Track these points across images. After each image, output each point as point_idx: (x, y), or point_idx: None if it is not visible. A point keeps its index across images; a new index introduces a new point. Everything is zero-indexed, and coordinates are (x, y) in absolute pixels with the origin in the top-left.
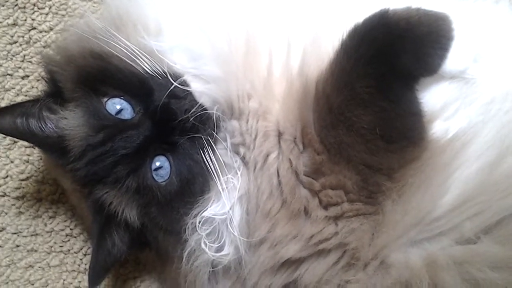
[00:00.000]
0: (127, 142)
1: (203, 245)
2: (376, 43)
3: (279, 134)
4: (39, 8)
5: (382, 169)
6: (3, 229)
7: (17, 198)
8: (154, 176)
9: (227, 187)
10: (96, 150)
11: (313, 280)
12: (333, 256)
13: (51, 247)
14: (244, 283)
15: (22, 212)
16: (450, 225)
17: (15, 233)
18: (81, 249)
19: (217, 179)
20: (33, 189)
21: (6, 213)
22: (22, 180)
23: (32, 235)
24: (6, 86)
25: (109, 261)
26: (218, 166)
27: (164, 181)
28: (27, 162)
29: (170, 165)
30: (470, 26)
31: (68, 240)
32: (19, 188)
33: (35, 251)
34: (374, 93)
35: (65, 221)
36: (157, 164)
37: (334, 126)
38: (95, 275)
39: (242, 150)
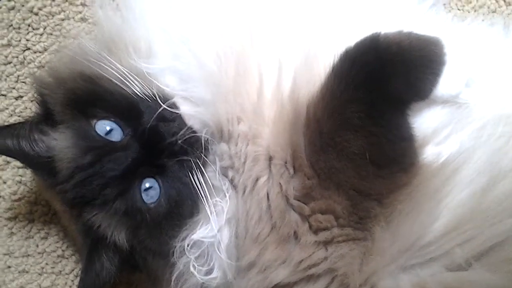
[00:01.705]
0: (115, 164)
1: (191, 268)
2: (367, 67)
3: (270, 158)
4: (33, 29)
5: (372, 194)
6: None
7: (9, 219)
8: (144, 197)
9: (215, 210)
10: (84, 172)
11: None
12: (322, 282)
13: (43, 268)
14: None
15: (14, 233)
16: (440, 252)
17: (6, 254)
18: (73, 270)
19: (205, 201)
20: (25, 210)
21: None
22: (15, 201)
23: (23, 256)
24: (0, 107)
25: (97, 283)
26: (207, 188)
27: (153, 203)
28: (20, 183)
29: (160, 187)
30: (463, 50)
31: (60, 261)
32: (11, 209)
33: (27, 272)
34: (365, 118)
35: (57, 242)
36: (147, 185)
37: (325, 151)
38: None
39: (231, 173)
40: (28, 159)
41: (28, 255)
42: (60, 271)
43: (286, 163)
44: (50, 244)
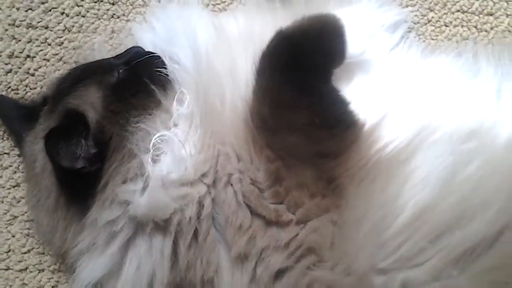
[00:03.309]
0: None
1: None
2: (283, 56)
3: (237, 155)
4: (31, 89)
5: (330, 154)
6: None
7: (20, 270)
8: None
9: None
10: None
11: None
12: (309, 259)
13: None
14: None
15: (26, 283)
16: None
17: None
18: None
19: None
20: (35, 261)
21: (10, 286)
22: (24, 253)
23: None
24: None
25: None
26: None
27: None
28: (28, 235)
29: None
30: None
31: None
32: (21, 261)
33: None
34: (298, 94)
35: None
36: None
37: (277, 132)
38: None
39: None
40: None
41: None
42: None
43: (251, 154)
44: None
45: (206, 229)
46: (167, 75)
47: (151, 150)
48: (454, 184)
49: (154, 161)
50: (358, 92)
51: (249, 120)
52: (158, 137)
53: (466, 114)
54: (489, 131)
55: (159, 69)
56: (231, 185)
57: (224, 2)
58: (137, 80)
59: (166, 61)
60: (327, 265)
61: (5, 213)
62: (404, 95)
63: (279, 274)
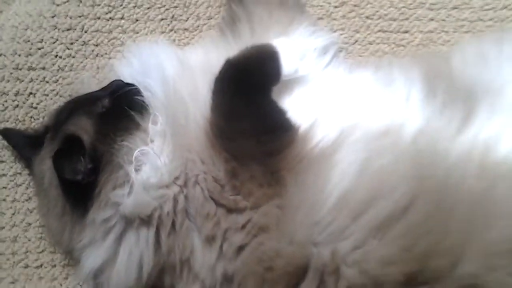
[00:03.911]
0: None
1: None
2: (231, 79)
3: (201, 160)
4: (35, 119)
5: (273, 153)
6: None
7: (37, 267)
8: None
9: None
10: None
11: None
12: (261, 236)
13: None
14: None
15: (42, 277)
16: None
17: None
18: None
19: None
20: (48, 259)
21: (30, 279)
22: (39, 252)
23: None
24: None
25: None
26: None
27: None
28: (41, 238)
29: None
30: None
31: None
32: (37, 259)
33: None
34: (245, 108)
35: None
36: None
37: (232, 139)
38: None
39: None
40: None
41: None
42: None
43: (212, 158)
44: (70, 282)
45: (181, 220)
46: (143, 101)
47: (134, 162)
48: (368, 173)
49: (137, 170)
50: (296, 102)
51: (209, 131)
52: (138, 151)
53: (381, 117)
54: (398, 130)
55: (136, 97)
56: (198, 183)
57: (187, 37)
58: (119, 108)
59: (142, 90)
60: (274, 239)
61: (22, 222)
62: (331, 104)
63: (240, 249)
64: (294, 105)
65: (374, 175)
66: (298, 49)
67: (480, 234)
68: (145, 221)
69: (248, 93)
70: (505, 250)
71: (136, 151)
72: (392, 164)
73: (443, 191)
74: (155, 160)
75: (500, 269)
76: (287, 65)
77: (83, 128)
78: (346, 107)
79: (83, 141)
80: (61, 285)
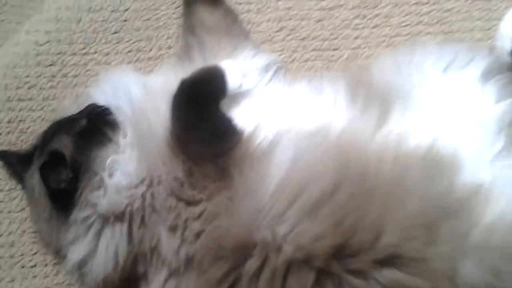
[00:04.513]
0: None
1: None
2: (185, 96)
3: (163, 163)
4: (25, 143)
5: (222, 153)
6: None
7: (31, 267)
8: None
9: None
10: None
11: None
12: (215, 223)
13: None
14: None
15: (36, 275)
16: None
17: None
18: None
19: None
20: (40, 259)
21: (26, 278)
22: (33, 254)
23: None
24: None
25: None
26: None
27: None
28: (34, 242)
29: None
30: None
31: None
32: (31, 260)
33: None
34: (197, 119)
35: (64, 275)
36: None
37: (187, 144)
38: None
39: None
40: None
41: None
42: None
43: (172, 161)
44: (60, 277)
45: (149, 214)
46: (114, 120)
47: (107, 169)
48: (300, 165)
49: (110, 175)
50: (241, 111)
51: (169, 139)
52: (111, 160)
53: (311, 120)
54: (326, 130)
55: (108, 117)
56: (162, 183)
57: (151, 65)
58: (94, 126)
59: (113, 110)
60: (225, 223)
61: (17, 229)
62: (271, 111)
63: (198, 234)
64: (240, 114)
65: (305, 167)
66: (242, 69)
67: (397, 211)
68: (119, 217)
69: (199, 106)
70: (418, 224)
71: (109, 160)
72: (320, 157)
73: (364, 176)
74: (125, 166)
75: (415, 239)
76: (233, 82)
77: (65, 144)
78: (283, 113)
79: (65, 155)
80: (52, 280)
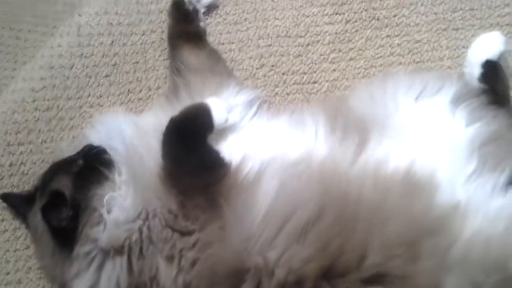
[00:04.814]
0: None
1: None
2: (174, 133)
3: (157, 197)
4: (27, 184)
5: (211, 184)
6: None
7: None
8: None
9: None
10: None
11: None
12: (208, 251)
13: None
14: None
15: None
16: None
17: None
18: None
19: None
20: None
21: None
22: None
23: None
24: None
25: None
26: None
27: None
28: (40, 278)
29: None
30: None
31: None
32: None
33: None
34: (186, 154)
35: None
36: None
37: (179, 178)
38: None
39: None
40: None
41: None
42: None
43: (165, 195)
44: None
45: (147, 246)
46: (109, 159)
47: (105, 205)
48: (286, 193)
49: (108, 211)
50: (228, 144)
51: (161, 174)
52: (108, 197)
53: (294, 150)
54: (308, 160)
55: (104, 156)
56: (157, 216)
57: (142, 105)
58: (91, 166)
59: (107, 150)
60: (218, 251)
61: (23, 266)
62: (256, 143)
63: (193, 262)
64: (227, 147)
65: (290, 194)
66: (227, 104)
67: (380, 232)
68: (118, 250)
69: (188, 141)
70: (401, 242)
71: (107, 197)
72: (304, 185)
73: (346, 201)
74: (122, 202)
75: (398, 258)
76: (219, 117)
77: (64, 184)
78: (268, 145)
79: (65, 194)
80: None
